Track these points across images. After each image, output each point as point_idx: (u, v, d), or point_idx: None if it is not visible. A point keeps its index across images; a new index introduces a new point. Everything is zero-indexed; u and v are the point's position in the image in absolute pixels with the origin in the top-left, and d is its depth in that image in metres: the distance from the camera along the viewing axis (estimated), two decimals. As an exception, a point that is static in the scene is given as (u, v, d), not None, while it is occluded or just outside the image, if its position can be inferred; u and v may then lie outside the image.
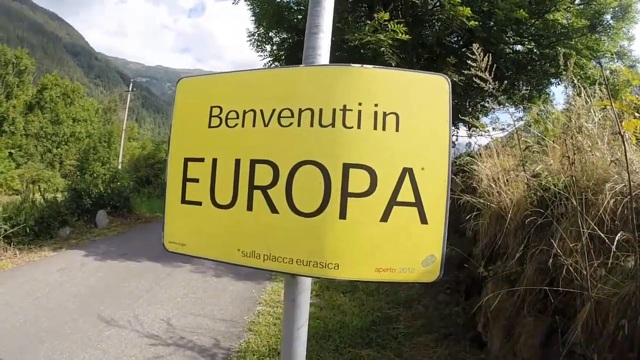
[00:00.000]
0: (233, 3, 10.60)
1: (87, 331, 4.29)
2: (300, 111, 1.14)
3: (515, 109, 10.20)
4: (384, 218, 1.09)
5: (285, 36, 11.26)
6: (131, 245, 8.78)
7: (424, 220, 1.09)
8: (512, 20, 8.45)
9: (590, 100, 3.15)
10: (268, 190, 1.15)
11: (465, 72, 3.95)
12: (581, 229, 2.35)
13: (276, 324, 4.57)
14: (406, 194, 1.09)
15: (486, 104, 10.83)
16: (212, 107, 1.28)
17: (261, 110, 1.19)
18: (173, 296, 5.56)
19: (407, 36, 7.31)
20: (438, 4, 8.62)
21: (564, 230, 2.62)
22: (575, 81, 3.43)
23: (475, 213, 4.08)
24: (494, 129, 5.24)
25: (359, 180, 1.09)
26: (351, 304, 5.14)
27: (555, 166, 3.22)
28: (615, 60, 10.31)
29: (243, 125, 1.22)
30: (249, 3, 10.57)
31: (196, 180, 1.28)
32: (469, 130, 7.83)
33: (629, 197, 2.19)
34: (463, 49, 9.24)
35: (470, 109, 11.05)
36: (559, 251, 2.49)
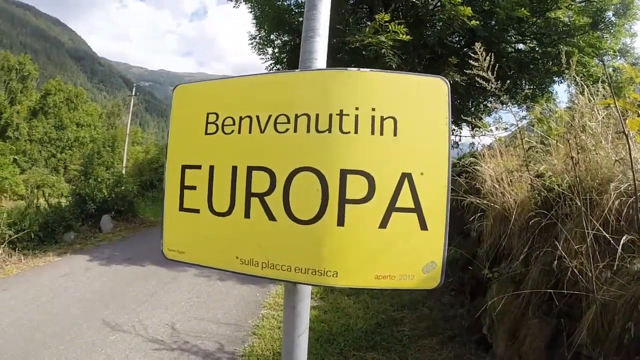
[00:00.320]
0: (234, 6, 10.65)
1: (92, 336, 4.30)
2: (297, 117, 1.13)
3: (519, 108, 10.17)
4: (383, 224, 1.07)
5: (286, 39, 11.28)
6: (135, 250, 8.80)
7: (423, 226, 1.08)
8: (514, 19, 8.43)
9: (594, 99, 3.12)
10: (265, 198, 1.14)
11: (468, 72, 3.93)
12: (586, 229, 2.32)
13: (280, 327, 4.55)
14: (405, 200, 1.07)
15: (489, 104, 10.80)
16: (208, 114, 1.26)
17: (257, 117, 1.18)
18: (177, 300, 5.56)
19: (408, 37, 7.29)
20: (439, 4, 8.59)
21: (569, 231, 2.59)
22: (578, 79, 3.40)
23: (479, 214, 4.05)
24: (497, 128, 5.22)
25: (356, 187, 1.07)
26: (356, 307, 5.12)
27: (559, 166, 3.20)
28: (618, 57, 10.25)
29: (239, 132, 1.20)
30: (250, 6, 10.60)
31: (194, 188, 1.27)
32: (472, 130, 7.81)
33: (634, 197, 2.16)
34: (465, 49, 9.22)
35: (473, 108, 11.03)
36: (563, 253, 2.47)
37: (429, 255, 1.09)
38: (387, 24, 7.22)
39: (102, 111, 49.61)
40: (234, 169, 1.19)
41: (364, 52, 7.98)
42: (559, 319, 2.59)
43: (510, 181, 3.74)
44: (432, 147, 1.10)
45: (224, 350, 4.08)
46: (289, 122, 1.14)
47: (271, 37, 11.37)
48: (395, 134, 1.09)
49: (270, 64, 11.58)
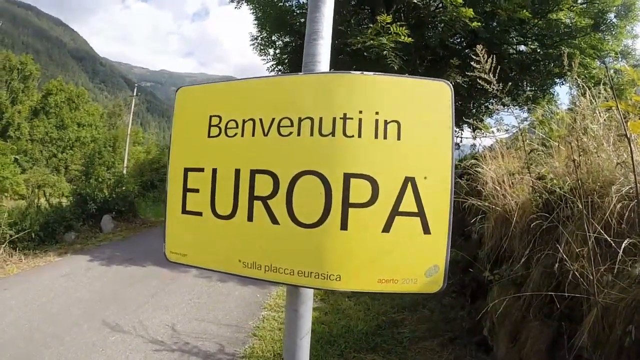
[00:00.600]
0: (236, 7, 10.66)
1: (92, 337, 4.29)
2: (300, 120, 1.13)
3: (520, 110, 10.17)
4: (386, 228, 1.07)
5: (288, 40, 11.30)
6: (136, 250, 8.79)
7: (426, 230, 1.08)
8: (516, 20, 8.44)
9: (595, 101, 3.12)
10: (268, 201, 1.14)
11: (469, 73, 3.93)
12: (587, 232, 2.32)
13: (281, 329, 4.56)
14: (408, 204, 1.07)
15: (490, 105, 10.80)
16: (211, 117, 1.26)
17: (260, 120, 1.18)
18: (178, 301, 5.55)
19: (409, 39, 7.30)
20: (440, 5, 8.60)
21: (570, 234, 2.58)
22: (580, 81, 3.39)
23: (480, 216, 4.05)
24: (498, 130, 5.22)
25: (360, 191, 1.07)
26: (356, 308, 5.11)
27: (561, 168, 3.19)
28: (620, 59, 10.25)
29: (242, 135, 1.20)
30: (251, 7, 10.62)
31: (196, 191, 1.27)
32: (473, 132, 7.81)
33: (636, 200, 2.16)
34: (466, 50, 9.22)
35: (474, 110, 11.03)
36: (564, 256, 2.46)
37: (432, 259, 1.09)
38: (388, 25, 7.23)
39: (103, 111, 49.75)
40: (237, 172, 1.19)
41: (365, 54, 7.99)
42: (560, 321, 2.59)
43: (512, 183, 3.74)
44: (436, 151, 1.10)
45: (225, 351, 4.08)
46: (292, 125, 1.14)
47: (272, 38, 11.39)
48: (398, 138, 1.09)
49: (272, 65, 11.62)
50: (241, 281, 6.33)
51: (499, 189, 3.80)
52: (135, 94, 39.95)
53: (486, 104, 11.12)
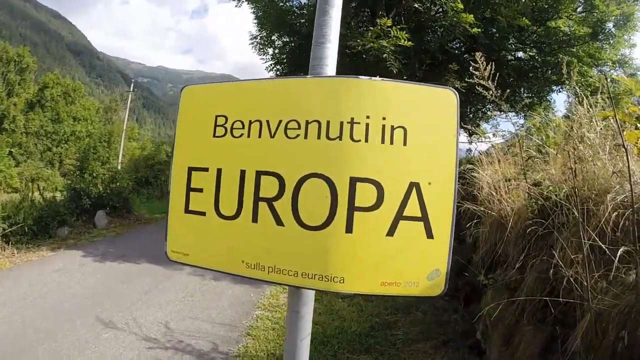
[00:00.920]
0: (236, 6, 10.65)
1: (85, 333, 4.28)
2: (307, 123, 1.13)
3: (517, 116, 10.24)
4: (390, 232, 1.09)
5: (287, 40, 11.31)
6: (130, 247, 8.76)
7: (429, 235, 1.09)
8: (515, 27, 8.51)
9: (592, 109, 3.15)
10: (274, 203, 1.14)
11: (467, 79, 3.96)
12: (582, 239, 2.34)
13: (275, 328, 4.56)
14: (412, 209, 1.09)
15: (487, 111, 10.87)
16: (217, 117, 1.26)
17: (267, 121, 1.18)
18: (172, 299, 5.54)
19: (409, 42, 7.34)
20: (441, 10, 8.65)
21: (565, 240, 2.61)
22: (577, 89, 3.43)
23: (475, 220, 4.07)
24: (494, 135, 5.25)
25: (365, 195, 1.08)
26: (350, 310, 5.13)
27: (557, 175, 3.22)
28: (617, 68, 10.35)
29: (249, 136, 1.20)
30: (252, 6, 10.62)
31: (200, 190, 1.27)
32: (470, 136, 7.85)
33: (630, 209, 2.19)
34: (465, 56, 9.27)
35: (471, 115, 11.09)
36: (559, 262, 2.49)
37: (434, 263, 1.10)
38: (389, 29, 7.26)
39: (99, 106, 49.46)
40: (243, 172, 1.20)
41: (364, 56, 8.01)
42: (553, 326, 2.62)
43: (508, 189, 3.77)
44: (440, 157, 1.12)
45: (218, 350, 4.07)
46: (299, 127, 1.14)
47: (272, 37, 11.39)
48: (405, 144, 1.10)
49: (271, 65, 11.62)
50: (234, 280, 6.31)
51: (494, 194, 3.83)
52: (131, 89, 39.72)
53: (483, 110, 11.19)
